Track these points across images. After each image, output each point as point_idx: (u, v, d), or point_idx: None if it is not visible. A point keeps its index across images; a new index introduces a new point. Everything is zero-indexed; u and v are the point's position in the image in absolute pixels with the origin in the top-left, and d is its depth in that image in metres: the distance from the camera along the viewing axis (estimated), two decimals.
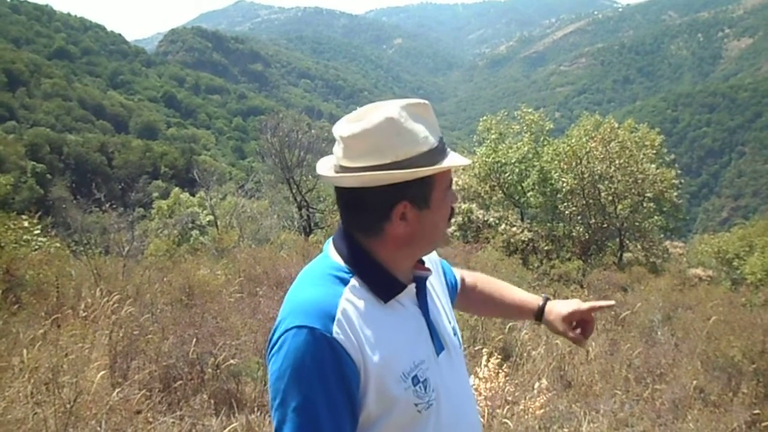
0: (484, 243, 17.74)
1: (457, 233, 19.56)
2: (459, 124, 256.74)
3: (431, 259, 1.93)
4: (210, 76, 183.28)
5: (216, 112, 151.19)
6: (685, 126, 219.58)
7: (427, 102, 1.68)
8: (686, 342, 8.25)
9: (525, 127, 24.31)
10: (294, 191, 23.47)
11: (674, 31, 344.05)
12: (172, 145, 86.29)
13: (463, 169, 23.49)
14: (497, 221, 20.91)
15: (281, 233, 20.38)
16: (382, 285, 1.66)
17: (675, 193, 23.38)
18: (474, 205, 21.47)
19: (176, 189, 32.47)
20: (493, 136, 24.17)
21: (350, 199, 1.64)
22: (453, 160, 1.65)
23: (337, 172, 1.65)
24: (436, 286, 1.91)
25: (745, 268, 23.55)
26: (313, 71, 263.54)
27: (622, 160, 21.90)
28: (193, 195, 29.16)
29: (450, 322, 1.90)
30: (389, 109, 1.61)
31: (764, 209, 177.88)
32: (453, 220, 19.33)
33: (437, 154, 1.63)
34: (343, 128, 1.63)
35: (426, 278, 1.80)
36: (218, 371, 5.35)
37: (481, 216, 20.82)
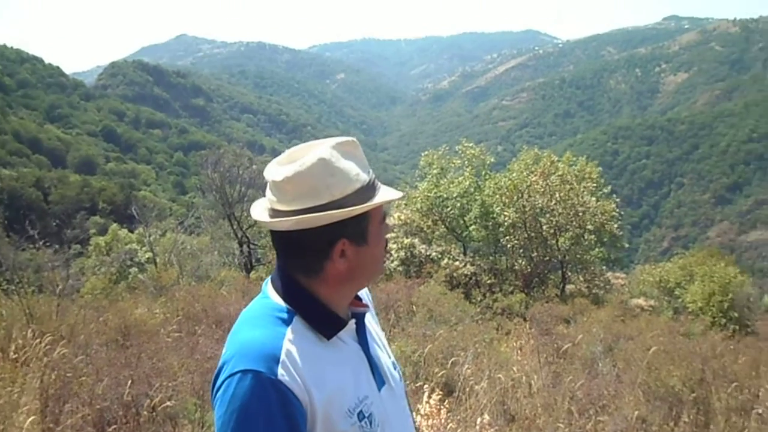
0: (427, 277, 17.77)
1: (400, 268, 19.57)
2: (402, 158, 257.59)
3: (363, 293, 1.95)
4: (151, 110, 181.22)
5: (156, 146, 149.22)
6: (625, 158, 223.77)
7: (354, 139, 1.71)
8: (628, 372, 8.35)
9: (466, 162, 24.45)
10: (235, 227, 23.27)
11: (613, 66, 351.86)
12: (111, 180, 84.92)
13: (405, 204, 23.63)
14: (440, 255, 20.97)
15: (222, 270, 20.18)
16: (324, 323, 1.68)
17: (615, 225, 23.66)
18: (416, 240, 21.48)
19: (114, 225, 31.99)
20: (435, 171, 24.29)
21: (288, 242, 1.66)
22: (385, 194, 1.71)
23: (272, 216, 1.66)
24: (372, 321, 1.95)
25: (686, 297, 23.95)
26: (256, 106, 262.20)
27: (562, 194, 22.19)
28: (131, 231, 28.74)
29: (389, 357, 1.94)
30: (321, 149, 1.64)
31: (703, 239, 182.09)
32: (396, 255, 19.36)
33: (370, 190, 1.67)
34: (275, 172, 1.65)
35: (364, 314, 1.84)
36: (154, 414, 5.25)
37: (423, 250, 20.86)
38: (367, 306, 1.88)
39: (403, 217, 22.70)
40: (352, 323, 1.77)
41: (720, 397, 7.17)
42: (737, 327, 20.12)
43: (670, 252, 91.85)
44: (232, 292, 12.55)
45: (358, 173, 1.66)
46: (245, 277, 18.10)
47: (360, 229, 1.68)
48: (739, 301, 22.63)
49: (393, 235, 20.97)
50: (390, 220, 22.43)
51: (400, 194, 1.76)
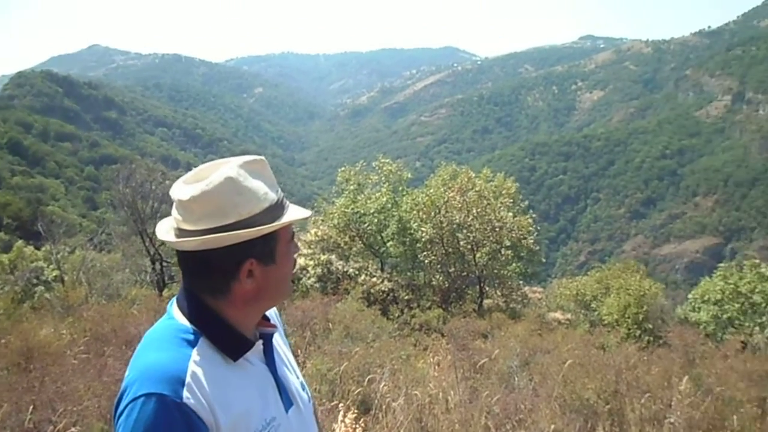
0: (344, 294, 17.73)
1: (317, 285, 19.49)
2: (320, 174, 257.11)
3: (271, 314, 1.93)
4: (60, 122, 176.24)
5: (66, 160, 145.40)
6: (543, 174, 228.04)
7: (263, 158, 1.70)
8: (544, 386, 8.44)
9: (383, 178, 24.57)
10: (147, 244, 22.82)
11: (531, 83, 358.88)
12: (17, 195, 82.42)
13: (322, 220, 23.60)
14: (357, 272, 20.94)
15: (133, 288, 19.79)
16: (231, 344, 1.66)
17: (532, 239, 24.01)
18: (333, 256, 21.42)
19: (20, 242, 31.06)
20: (352, 187, 24.30)
21: (195, 262, 1.63)
22: (294, 213, 1.70)
23: (177, 236, 1.63)
24: (280, 342, 1.93)
25: (602, 310, 24.43)
26: (171, 119, 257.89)
27: (479, 209, 22.40)
28: (38, 248, 27.95)
29: (298, 377, 1.92)
30: (228, 168, 1.62)
31: (619, 252, 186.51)
32: (312, 272, 19.27)
33: (278, 209, 1.67)
34: (181, 191, 1.62)
35: (272, 335, 1.82)
36: None
37: (340, 267, 20.80)
38: (275, 326, 1.86)
39: (320, 233, 22.63)
40: (259, 344, 1.75)
41: (633, 407, 7.31)
42: (651, 338, 20.62)
43: (586, 265, 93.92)
44: (143, 311, 12.26)
45: (266, 192, 1.64)
46: (158, 295, 17.75)
47: (268, 249, 1.66)
48: (653, 312, 23.21)
49: (310, 251, 20.94)
50: (307, 236, 22.44)
51: (308, 213, 1.74)
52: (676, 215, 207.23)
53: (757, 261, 28.20)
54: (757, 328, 24.46)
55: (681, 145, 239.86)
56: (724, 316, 25.16)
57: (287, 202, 1.73)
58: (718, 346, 21.51)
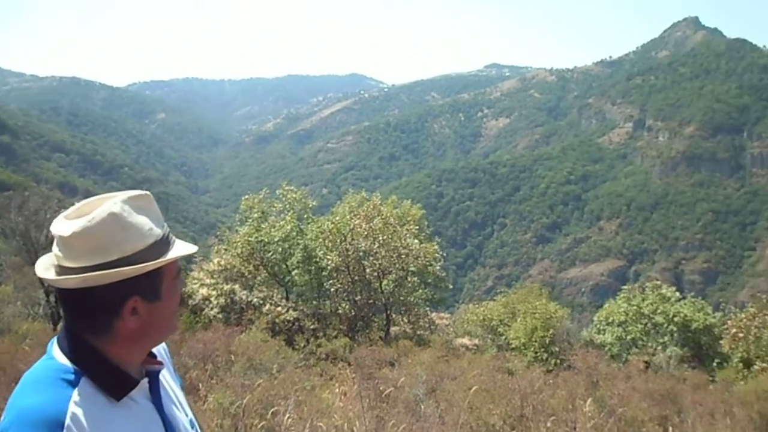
0: (248, 324, 17.56)
1: (219, 315, 19.24)
2: (224, 201, 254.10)
3: (159, 349, 1.88)
4: None
5: None
6: (450, 200, 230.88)
7: (148, 193, 1.67)
8: (450, 413, 8.48)
9: (288, 205, 24.43)
10: None
11: (437, 110, 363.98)
12: None
13: (226, 249, 23.31)
14: (261, 301, 20.72)
15: (25, 323, 19.15)
16: (114, 383, 1.60)
17: (438, 266, 24.22)
18: (237, 286, 21.18)
19: None
20: (256, 215, 24.01)
21: (76, 300, 1.58)
22: (179, 250, 1.67)
23: (58, 273, 1.58)
24: (168, 378, 1.88)
25: (510, 334, 24.78)
26: (69, 145, 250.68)
27: (385, 236, 22.48)
28: None
29: (187, 415, 1.88)
30: (111, 203, 1.58)
31: (526, 276, 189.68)
32: (215, 302, 19.01)
33: (163, 245, 1.63)
34: (62, 227, 1.57)
35: (159, 372, 1.78)
36: None
37: (244, 296, 20.57)
38: (162, 363, 1.80)
39: (223, 263, 22.34)
40: (144, 382, 1.70)
41: (539, 431, 7.43)
42: (558, 361, 20.99)
43: (494, 290, 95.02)
44: (35, 347, 11.89)
45: (151, 228, 1.61)
46: (52, 329, 17.25)
47: (153, 286, 1.62)
48: (560, 335, 23.64)
49: (213, 281, 20.67)
50: (210, 266, 22.16)
51: (194, 249, 1.72)
52: (581, 239, 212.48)
53: (659, 282, 29.15)
54: (659, 347, 25.21)
55: (585, 171, 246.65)
56: (628, 337, 25.86)
57: (173, 238, 1.70)
58: (621, 367, 22.08)
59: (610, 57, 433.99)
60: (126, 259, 1.57)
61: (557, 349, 22.91)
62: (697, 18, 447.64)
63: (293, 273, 23.28)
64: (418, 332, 23.00)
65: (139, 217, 1.62)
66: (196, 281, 20.57)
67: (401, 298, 23.21)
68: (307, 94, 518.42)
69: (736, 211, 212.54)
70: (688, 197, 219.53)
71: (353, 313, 22.52)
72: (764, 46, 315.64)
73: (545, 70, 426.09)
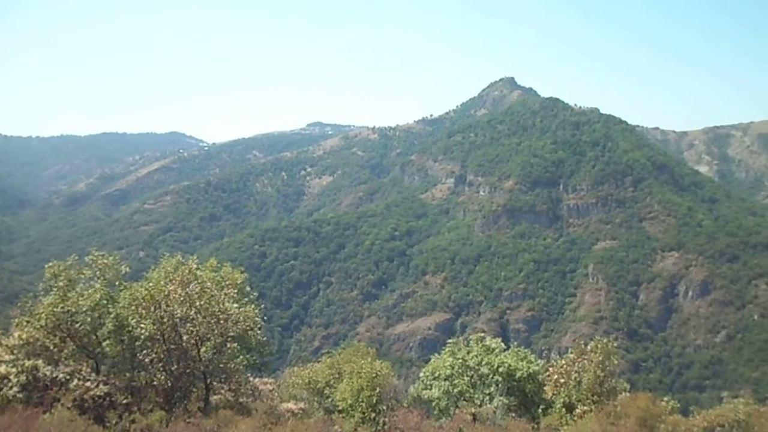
0: (53, 403, 16.53)
1: (20, 395, 18.01)
2: (31, 268, 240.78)
3: None
4: None
5: None
6: (273, 260, 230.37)
7: None
8: None
9: (98, 272, 23.38)
10: None
11: (259, 169, 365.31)
12: None
13: (28, 321, 21.93)
14: (68, 376, 19.61)
15: None
16: None
17: (259, 330, 23.83)
18: (40, 361, 19.94)
19: None
20: (62, 283, 22.78)
21: None
22: None
23: None
24: None
25: (336, 396, 24.63)
26: None
27: (202, 302, 21.94)
28: None
29: None
30: None
31: (353, 334, 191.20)
32: (15, 380, 17.86)
33: None
34: None
35: None
36: None
37: (48, 373, 19.39)
38: None
39: (25, 336, 20.98)
40: None
41: None
42: (386, 420, 21.02)
43: (321, 350, 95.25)
44: None
45: None
46: None
47: None
48: (386, 394, 23.70)
49: (12, 357, 19.41)
50: (10, 340, 20.80)
51: None
52: (408, 294, 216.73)
53: (482, 335, 29.93)
54: (486, 398, 25.76)
55: (409, 227, 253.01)
56: (455, 390, 26.35)
57: None
58: (448, 421, 22.30)
59: (431, 115, 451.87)
60: None
61: (385, 407, 22.95)
62: (513, 78, 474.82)
63: (104, 344, 22.26)
64: (240, 400, 22.52)
65: None
66: None
67: (221, 365, 22.72)
68: (122, 153, 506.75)
69: (556, 259, 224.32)
70: (509, 248, 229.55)
71: (170, 384, 21.76)
72: (575, 105, 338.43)
73: (368, 128, 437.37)
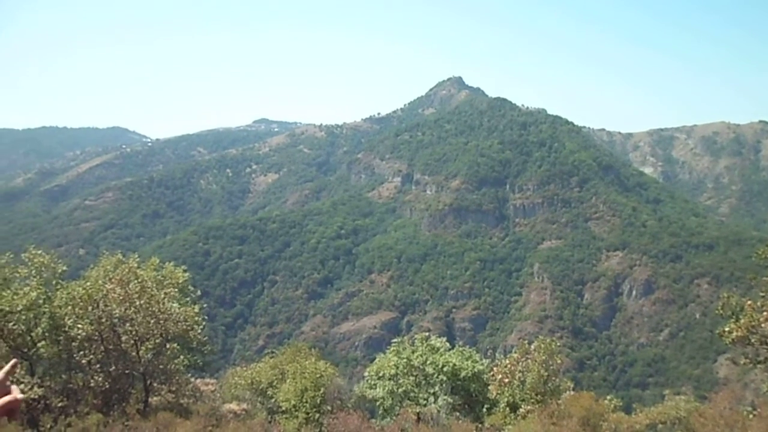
0: None
1: None
2: None
3: None
4: None
5: None
6: (217, 258, 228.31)
7: None
8: None
9: (34, 271, 22.84)
10: None
11: (204, 166, 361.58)
12: None
13: None
14: None
15: None
16: None
17: (200, 330, 23.53)
18: None
19: None
20: None
21: None
22: None
23: None
24: None
25: (279, 396, 24.46)
26: None
27: (142, 301, 21.60)
28: None
29: None
30: None
31: (298, 334, 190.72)
32: None
33: None
34: None
35: None
36: None
37: None
38: None
39: None
40: None
41: None
42: (326, 423, 20.91)
43: (265, 350, 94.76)
44: None
45: None
46: None
47: None
48: (331, 394, 23.60)
49: None
50: None
51: None
52: (353, 293, 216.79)
53: (427, 334, 29.98)
54: (431, 397, 25.79)
55: (355, 225, 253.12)
56: (400, 389, 26.32)
57: None
58: (392, 421, 22.25)
59: (379, 114, 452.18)
60: None
61: (329, 408, 22.87)
62: (461, 78, 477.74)
63: (39, 345, 21.72)
64: (181, 401, 22.24)
65: None
66: None
67: (161, 365, 22.40)
68: (62, 148, 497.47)
69: (502, 258, 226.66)
70: (456, 247, 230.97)
71: (108, 386, 21.36)
72: (522, 105, 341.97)
73: (314, 125, 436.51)
